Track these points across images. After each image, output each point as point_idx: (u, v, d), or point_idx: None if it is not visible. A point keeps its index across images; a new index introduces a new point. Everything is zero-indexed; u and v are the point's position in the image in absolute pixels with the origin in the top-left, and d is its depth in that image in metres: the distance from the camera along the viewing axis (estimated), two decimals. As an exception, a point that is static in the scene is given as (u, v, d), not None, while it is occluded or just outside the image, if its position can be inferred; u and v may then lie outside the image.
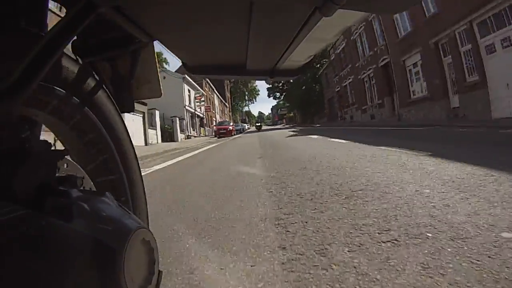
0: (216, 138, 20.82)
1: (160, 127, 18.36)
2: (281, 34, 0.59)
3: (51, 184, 0.39)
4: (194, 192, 2.58)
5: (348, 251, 1.16)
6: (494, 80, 8.83)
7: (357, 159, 3.44)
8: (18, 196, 0.34)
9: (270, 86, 50.85)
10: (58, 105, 0.46)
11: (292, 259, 1.14)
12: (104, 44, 0.59)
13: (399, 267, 0.99)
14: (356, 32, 19.44)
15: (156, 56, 0.72)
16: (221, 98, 48.02)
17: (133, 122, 14.97)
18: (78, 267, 0.32)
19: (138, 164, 0.65)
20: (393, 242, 1.19)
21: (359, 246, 1.19)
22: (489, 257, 1.00)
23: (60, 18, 0.39)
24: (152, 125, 17.65)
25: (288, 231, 1.43)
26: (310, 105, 37.29)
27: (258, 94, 69.86)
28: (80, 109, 0.50)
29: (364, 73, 19.36)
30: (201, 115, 30.86)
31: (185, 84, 24.92)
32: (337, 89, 25.95)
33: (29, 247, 0.28)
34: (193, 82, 26.99)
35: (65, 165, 0.47)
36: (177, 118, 21.41)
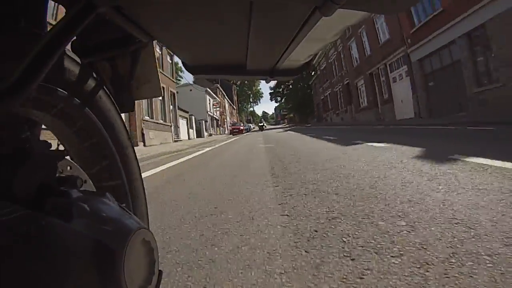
0: (231, 135, 29.62)
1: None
2: (281, 34, 0.58)
3: (51, 184, 0.39)
4: (241, 146, 9.75)
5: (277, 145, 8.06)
6: (396, 98, 16.42)
7: (293, 138, 10.49)
8: (18, 197, 0.34)
9: (272, 91, 61.81)
10: (58, 105, 0.46)
11: (268, 150, 6.54)
12: (104, 44, 0.59)
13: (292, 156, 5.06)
14: (332, 58, 28.87)
15: (156, 56, 0.72)
16: (230, 102, 56.40)
17: (182, 125, 23.53)
18: (78, 268, 0.32)
19: (138, 164, 0.65)
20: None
21: (273, 144, 8.66)
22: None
23: (60, 18, 0.39)
24: (191, 126, 26.97)
25: (267, 146, 7.91)
26: (305, 108, 46.07)
27: (262, 97, 79.95)
28: (80, 109, 0.50)
29: (337, 87, 28.43)
30: (217, 118, 41.22)
31: (207, 95, 34.10)
32: (322, 97, 35.56)
33: (29, 247, 0.28)
34: (211, 92, 36.61)
35: (65, 165, 0.47)
36: (203, 121, 31.12)
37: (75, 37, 0.56)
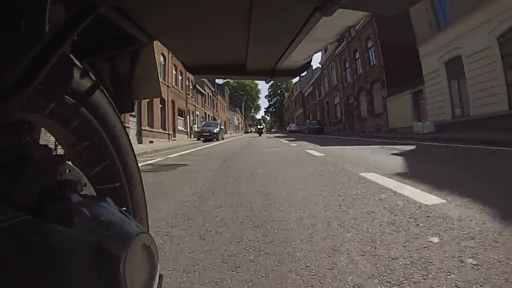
0: (244, 134, 52.89)
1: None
2: (281, 34, 0.58)
3: (51, 189, 0.38)
4: (247, 138, 23.55)
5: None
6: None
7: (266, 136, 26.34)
8: (19, 202, 0.34)
9: (266, 110, 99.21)
10: (57, 108, 0.45)
11: (251, 138, 21.56)
12: (104, 44, 0.58)
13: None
14: (287, 104, 71.66)
15: (155, 56, 0.72)
16: (241, 115, 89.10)
17: (231, 128, 61.66)
18: (79, 273, 0.32)
19: (138, 166, 0.64)
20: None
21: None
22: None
23: (59, 19, 0.39)
24: (231, 129, 62.12)
25: (253, 138, 22.64)
26: (283, 121, 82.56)
27: (260, 109, 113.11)
28: (79, 111, 0.49)
29: (289, 117, 67.77)
30: (236, 125, 73.79)
31: (234, 115, 66.24)
32: (285, 119, 75.11)
33: (31, 254, 0.28)
34: (235, 113, 69.25)
35: (66, 169, 0.46)
36: (233, 126, 65.20)
37: (75, 37, 0.55)
